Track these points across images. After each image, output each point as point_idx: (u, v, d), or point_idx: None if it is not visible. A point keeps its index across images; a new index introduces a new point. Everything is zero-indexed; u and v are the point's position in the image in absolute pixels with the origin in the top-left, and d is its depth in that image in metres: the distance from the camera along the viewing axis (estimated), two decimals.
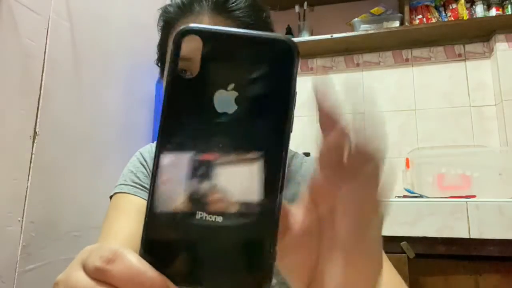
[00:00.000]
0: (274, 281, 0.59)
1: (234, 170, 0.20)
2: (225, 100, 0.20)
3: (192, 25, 0.21)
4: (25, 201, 0.87)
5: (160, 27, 0.60)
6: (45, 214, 0.93)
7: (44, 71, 0.94)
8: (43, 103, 0.93)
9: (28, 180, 0.88)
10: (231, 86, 0.20)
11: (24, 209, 0.87)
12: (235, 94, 0.20)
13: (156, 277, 0.19)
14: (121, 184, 0.62)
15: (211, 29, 0.21)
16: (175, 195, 0.20)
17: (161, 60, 0.63)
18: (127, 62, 1.33)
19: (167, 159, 0.20)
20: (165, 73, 0.59)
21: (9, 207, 0.83)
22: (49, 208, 0.94)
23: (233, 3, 0.55)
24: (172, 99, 0.20)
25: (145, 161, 0.65)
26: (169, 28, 0.58)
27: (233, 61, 0.21)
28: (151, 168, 0.65)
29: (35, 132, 0.91)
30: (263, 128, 0.20)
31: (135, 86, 1.36)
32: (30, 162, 0.89)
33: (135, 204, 0.59)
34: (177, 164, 0.20)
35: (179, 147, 0.20)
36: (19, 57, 0.87)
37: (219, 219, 0.19)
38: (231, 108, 0.20)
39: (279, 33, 0.22)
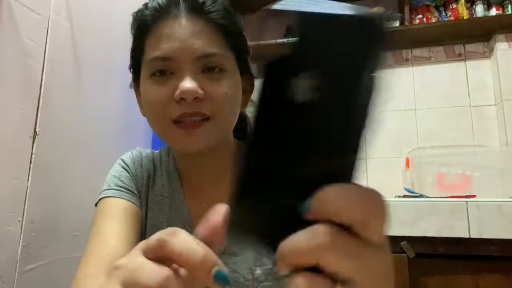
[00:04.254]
0: (259, 272, 0.59)
1: (318, 146, 0.21)
2: (307, 87, 0.20)
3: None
4: (25, 201, 0.87)
5: (134, 30, 0.59)
6: (45, 214, 0.93)
7: (44, 71, 0.94)
8: (43, 103, 0.93)
9: (28, 180, 0.88)
10: (315, 73, 0.20)
11: (24, 209, 0.87)
12: (318, 80, 0.20)
13: (208, 251, 0.23)
14: (105, 190, 0.62)
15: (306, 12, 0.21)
16: (263, 176, 0.22)
17: (135, 64, 0.61)
18: (128, 62, 1.32)
19: (261, 144, 0.22)
20: (143, 80, 0.57)
21: (9, 207, 0.83)
22: (49, 208, 0.94)
23: (209, 5, 0.55)
24: (270, 80, 0.22)
25: (127, 165, 0.65)
26: (145, 31, 0.57)
27: (323, 45, 0.21)
28: (133, 171, 0.66)
29: (35, 132, 0.91)
30: (346, 112, 0.21)
31: None
32: (30, 162, 0.89)
33: (121, 206, 0.59)
34: (271, 139, 0.22)
35: (272, 135, 0.22)
36: (19, 57, 0.87)
37: (296, 203, 0.22)
38: (316, 93, 0.20)
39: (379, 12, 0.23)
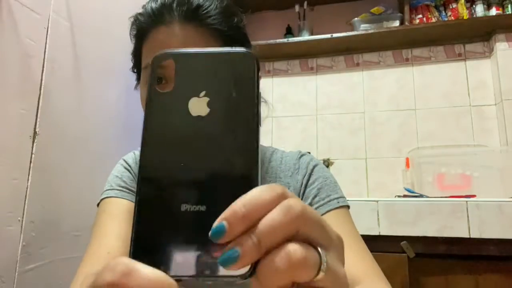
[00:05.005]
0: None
1: (212, 162, 0.22)
2: (198, 105, 0.23)
3: (166, 50, 0.25)
4: (25, 201, 0.87)
5: (133, 35, 0.60)
6: (45, 214, 0.93)
7: (44, 71, 0.94)
8: (43, 103, 0.93)
9: (28, 180, 0.88)
10: (203, 93, 0.24)
11: (24, 209, 0.87)
12: (206, 99, 0.23)
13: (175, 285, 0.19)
14: (107, 190, 0.62)
15: (181, 51, 0.25)
16: (160, 191, 0.22)
17: (136, 67, 0.62)
18: (127, 62, 1.32)
19: (150, 159, 0.23)
20: (141, 85, 0.58)
21: (9, 207, 0.83)
22: (49, 208, 0.94)
23: (203, 11, 0.54)
24: (152, 108, 0.24)
25: (129, 166, 0.65)
26: (142, 36, 0.57)
27: (202, 74, 0.24)
28: (136, 172, 0.65)
29: (35, 132, 0.91)
30: (235, 124, 0.23)
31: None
32: (30, 162, 0.89)
33: (123, 206, 0.59)
34: (161, 162, 0.23)
35: (161, 148, 0.23)
36: (19, 57, 0.87)
37: (203, 208, 0.21)
38: (205, 111, 0.23)
39: (239, 47, 0.25)
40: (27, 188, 0.88)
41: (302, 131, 1.90)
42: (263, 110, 0.75)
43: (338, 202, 0.59)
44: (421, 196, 1.44)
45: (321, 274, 0.20)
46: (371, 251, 0.56)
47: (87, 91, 1.12)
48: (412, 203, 1.16)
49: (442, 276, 1.12)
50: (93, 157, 1.12)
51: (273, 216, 0.20)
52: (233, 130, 0.23)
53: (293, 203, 0.20)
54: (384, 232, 1.14)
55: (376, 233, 1.14)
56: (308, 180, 0.62)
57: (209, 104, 0.23)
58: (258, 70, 0.24)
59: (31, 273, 0.87)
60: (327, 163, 1.80)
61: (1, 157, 0.81)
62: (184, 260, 0.20)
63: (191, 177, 0.22)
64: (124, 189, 0.62)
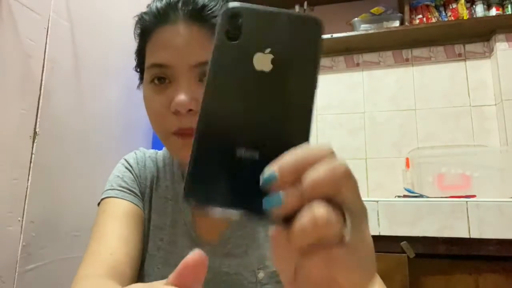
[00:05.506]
0: (262, 274, 0.59)
1: (269, 114, 0.24)
2: (262, 60, 0.25)
3: (236, 3, 0.26)
4: (25, 201, 0.87)
5: (137, 34, 0.59)
6: (45, 214, 0.93)
7: (44, 71, 0.94)
8: (43, 103, 0.93)
9: (28, 180, 0.88)
10: (268, 50, 0.25)
11: (24, 209, 0.87)
12: (271, 56, 0.25)
13: None
14: (108, 190, 0.62)
15: (253, 8, 0.26)
16: (218, 132, 0.24)
17: (140, 67, 0.61)
18: (127, 62, 1.32)
19: (212, 107, 0.24)
20: (145, 84, 0.58)
21: (9, 207, 0.83)
22: (49, 208, 0.94)
23: (209, 10, 0.54)
24: (218, 58, 0.25)
25: (131, 166, 0.65)
26: (146, 35, 0.56)
27: (269, 31, 0.25)
28: (137, 172, 0.65)
29: (35, 132, 0.91)
30: (295, 83, 0.25)
31: (135, 86, 1.35)
32: (30, 162, 0.89)
33: (123, 207, 0.59)
34: (221, 110, 0.24)
35: (223, 94, 0.24)
36: (19, 57, 0.87)
37: (256, 154, 0.23)
38: (268, 67, 0.24)
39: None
40: (27, 188, 0.88)
41: None
42: None
43: None
44: (421, 196, 1.44)
45: (345, 238, 0.22)
46: None
47: (87, 91, 1.12)
48: (412, 203, 1.16)
49: (442, 276, 1.12)
50: (93, 157, 1.12)
51: (319, 173, 0.22)
52: (292, 88, 0.25)
53: (339, 164, 0.22)
54: (384, 232, 1.14)
55: (376, 233, 1.14)
56: None
57: (273, 61, 0.24)
58: (322, 36, 0.26)
59: (31, 273, 0.87)
60: None
61: (1, 157, 0.81)
62: (232, 196, 0.23)
63: (248, 124, 0.24)
64: (125, 190, 0.61)
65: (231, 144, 0.24)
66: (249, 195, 0.23)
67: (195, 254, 0.21)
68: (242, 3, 0.26)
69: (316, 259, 0.22)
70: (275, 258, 0.24)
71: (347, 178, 0.22)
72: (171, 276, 0.21)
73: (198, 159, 0.24)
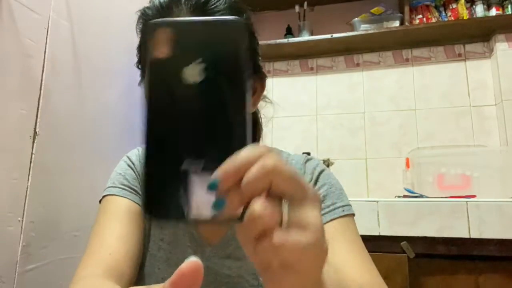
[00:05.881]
0: (256, 282, 0.59)
1: (206, 124, 0.25)
2: (194, 71, 0.25)
3: (160, 19, 0.26)
4: (25, 201, 0.87)
5: (139, 29, 0.59)
6: (45, 214, 0.93)
7: (44, 71, 0.94)
8: (43, 103, 0.93)
9: (28, 180, 0.88)
10: (198, 60, 0.25)
11: (24, 209, 0.87)
12: (202, 65, 0.25)
13: None
14: (109, 187, 0.62)
15: (176, 20, 0.27)
16: (164, 149, 0.25)
17: (141, 63, 0.61)
18: (127, 62, 1.33)
19: (154, 125, 0.26)
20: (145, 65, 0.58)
21: (9, 207, 0.83)
22: (49, 208, 0.94)
23: (212, 5, 0.53)
24: (152, 77, 0.26)
25: (133, 164, 0.65)
26: None
27: (196, 42, 0.26)
28: (139, 170, 0.65)
29: (35, 132, 0.91)
30: (228, 88, 0.25)
31: (135, 86, 1.35)
32: (30, 162, 0.89)
33: (124, 206, 0.59)
34: (163, 127, 0.26)
35: (163, 114, 0.26)
36: (19, 57, 0.87)
37: (201, 164, 0.25)
38: (200, 77, 0.25)
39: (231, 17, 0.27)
40: (27, 188, 0.88)
41: (302, 131, 1.90)
42: (269, 110, 0.74)
43: (343, 211, 0.58)
44: (421, 196, 1.44)
45: (283, 224, 0.25)
46: (371, 252, 0.56)
47: (87, 91, 1.12)
48: (412, 203, 1.16)
49: (442, 276, 1.12)
50: (93, 157, 1.12)
51: (251, 172, 0.24)
52: (226, 94, 0.25)
53: (268, 160, 0.24)
54: (384, 232, 1.14)
55: (376, 233, 1.14)
56: (313, 186, 0.61)
57: (204, 70, 0.25)
58: (250, 36, 0.26)
59: (31, 273, 0.87)
60: (327, 163, 1.80)
61: (1, 157, 0.81)
62: (187, 207, 0.24)
63: (189, 138, 0.25)
64: (126, 188, 0.61)
65: (177, 158, 0.25)
66: (202, 204, 0.24)
67: (191, 262, 0.21)
68: (162, 19, 0.26)
69: (264, 245, 0.24)
70: (246, 252, 0.27)
71: (277, 170, 0.24)
72: (167, 284, 0.22)
73: (149, 176, 0.25)
